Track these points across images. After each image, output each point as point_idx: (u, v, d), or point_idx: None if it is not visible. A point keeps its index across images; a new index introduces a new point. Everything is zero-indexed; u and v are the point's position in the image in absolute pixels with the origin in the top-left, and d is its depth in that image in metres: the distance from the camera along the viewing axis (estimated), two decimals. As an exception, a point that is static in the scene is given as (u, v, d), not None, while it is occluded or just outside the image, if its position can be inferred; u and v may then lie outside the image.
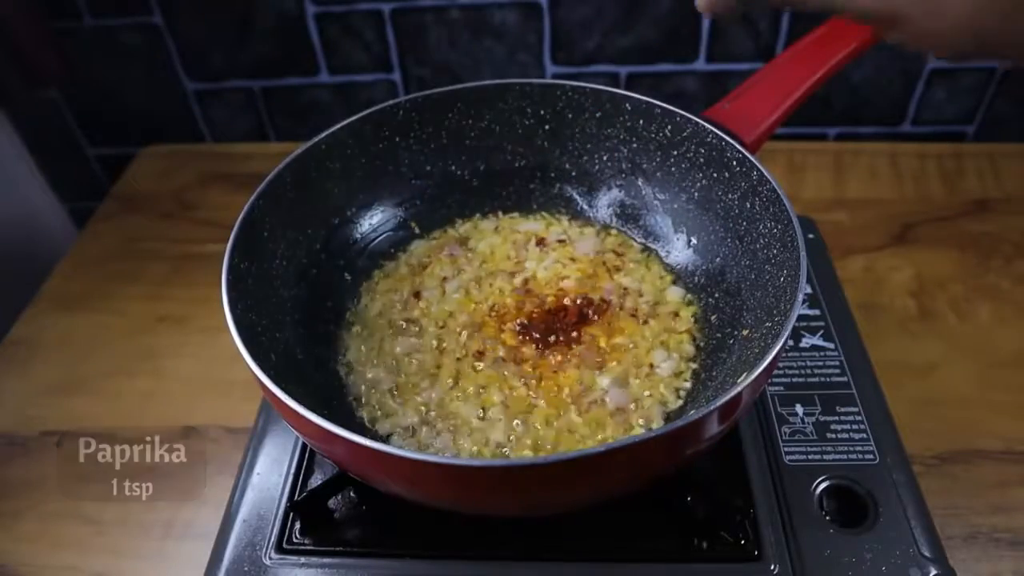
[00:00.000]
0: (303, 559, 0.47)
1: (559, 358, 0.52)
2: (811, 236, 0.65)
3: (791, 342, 0.57)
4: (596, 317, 0.55)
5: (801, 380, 0.55)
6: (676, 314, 0.56)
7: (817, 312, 0.60)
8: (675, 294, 0.57)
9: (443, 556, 0.46)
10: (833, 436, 0.51)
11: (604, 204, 0.63)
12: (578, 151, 0.62)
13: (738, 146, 0.51)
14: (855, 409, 0.53)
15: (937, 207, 0.79)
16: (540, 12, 0.84)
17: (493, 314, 0.56)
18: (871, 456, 0.50)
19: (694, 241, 0.58)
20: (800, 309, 0.45)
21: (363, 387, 0.52)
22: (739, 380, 0.38)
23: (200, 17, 0.87)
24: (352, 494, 0.50)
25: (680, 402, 0.50)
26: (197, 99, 0.95)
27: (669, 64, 0.87)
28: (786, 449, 0.51)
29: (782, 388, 0.55)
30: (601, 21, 0.84)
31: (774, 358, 0.39)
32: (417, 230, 0.63)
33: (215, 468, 0.60)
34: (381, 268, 0.60)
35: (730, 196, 0.54)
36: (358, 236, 0.61)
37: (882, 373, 0.55)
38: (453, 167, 0.63)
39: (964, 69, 0.86)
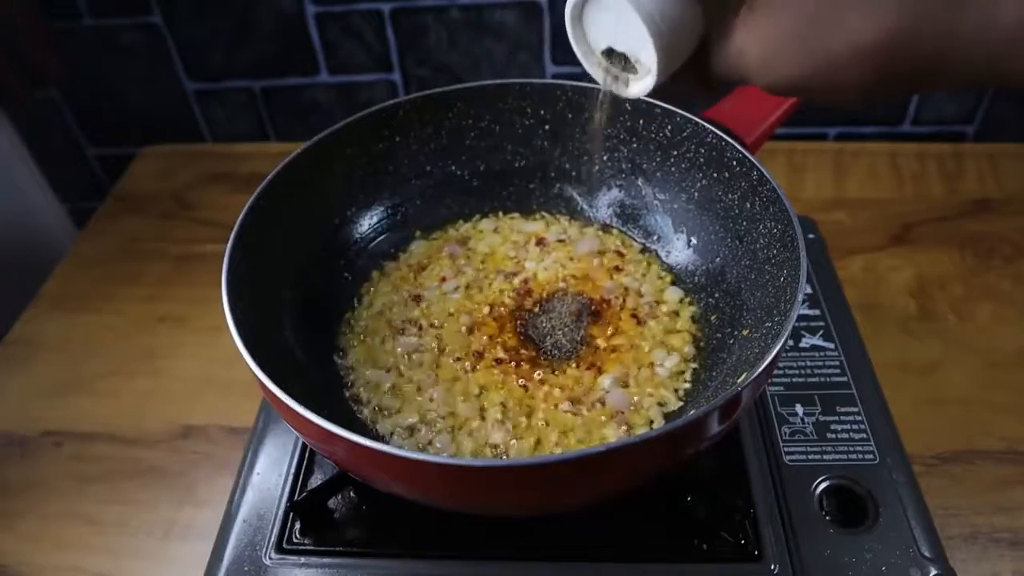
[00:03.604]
0: (303, 559, 0.47)
1: (559, 358, 0.52)
2: (811, 236, 0.65)
3: (791, 342, 0.57)
4: (596, 317, 0.55)
5: (801, 380, 0.55)
6: (676, 314, 0.56)
7: (817, 312, 0.60)
8: (675, 294, 0.57)
9: (443, 556, 0.46)
10: (833, 436, 0.51)
11: (604, 204, 0.63)
12: (578, 151, 0.62)
13: (738, 146, 0.51)
14: (855, 409, 0.53)
15: (937, 207, 0.79)
16: (540, 12, 0.84)
17: (493, 314, 0.56)
18: (871, 456, 0.50)
19: (694, 241, 0.58)
20: (800, 309, 0.45)
21: (363, 387, 0.52)
22: (739, 380, 0.39)
23: (200, 17, 0.87)
24: (352, 494, 0.50)
25: (680, 402, 0.50)
26: (197, 99, 0.95)
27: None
28: (786, 449, 0.51)
29: (782, 388, 0.55)
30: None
31: (774, 358, 0.39)
32: (417, 230, 0.63)
33: (215, 468, 0.60)
34: (381, 268, 0.60)
35: (730, 196, 0.54)
36: (358, 236, 0.61)
37: (882, 373, 0.55)
38: (453, 167, 0.63)
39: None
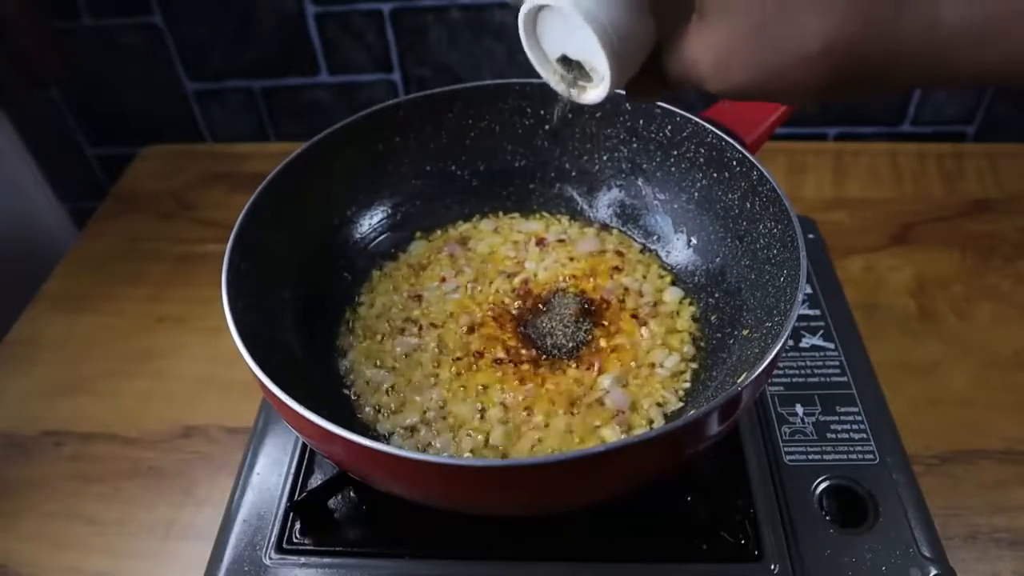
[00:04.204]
0: (303, 559, 0.47)
1: (559, 358, 0.52)
2: (811, 236, 0.65)
3: (791, 342, 0.57)
4: (596, 317, 0.55)
5: (801, 380, 0.55)
6: (676, 314, 0.56)
7: (817, 312, 0.60)
8: (675, 294, 0.57)
9: (443, 556, 0.46)
10: (833, 436, 0.51)
11: (604, 204, 0.63)
12: (578, 151, 0.62)
13: (738, 146, 0.51)
14: (855, 409, 0.53)
15: (937, 207, 0.79)
16: (540, 12, 0.84)
17: (493, 314, 0.56)
18: (871, 456, 0.50)
19: (694, 241, 0.58)
20: (800, 309, 0.45)
21: (363, 387, 0.52)
22: (739, 380, 0.39)
23: (200, 17, 0.87)
24: (352, 494, 0.50)
25: (680, 402, 0.50)
26: (197, 99, 0.95)
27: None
28: (786, 449, 0.51)
29: (782, 388, 0.55)
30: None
31: (774, 358, 0.39)
32: (417, 230, 0.63)
33: (215, 468, 0.60)
34: (381, 268, 0.60)
35: (730, 196, 0.54)
36: (358, 236, 0.61)
37: (882, 373, 0.55)
38: (453, 167, 0.63)
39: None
